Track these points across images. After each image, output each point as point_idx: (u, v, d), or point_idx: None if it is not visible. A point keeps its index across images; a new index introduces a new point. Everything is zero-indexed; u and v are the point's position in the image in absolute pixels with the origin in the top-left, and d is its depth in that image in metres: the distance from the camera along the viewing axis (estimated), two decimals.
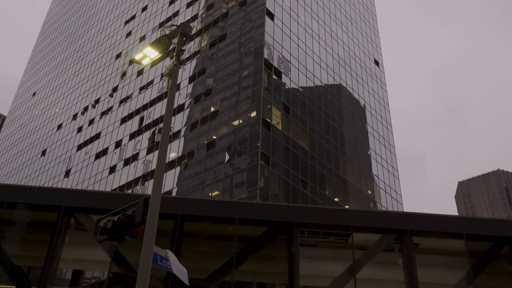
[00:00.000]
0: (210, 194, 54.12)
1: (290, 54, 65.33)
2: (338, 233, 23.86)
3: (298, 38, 68.77)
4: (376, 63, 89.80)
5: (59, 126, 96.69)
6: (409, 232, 23.01)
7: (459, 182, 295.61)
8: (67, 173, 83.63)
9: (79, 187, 77.16)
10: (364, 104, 78.98)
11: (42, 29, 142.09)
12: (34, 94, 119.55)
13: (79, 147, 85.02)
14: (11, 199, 24.08)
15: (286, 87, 62.18)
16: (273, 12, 65.46)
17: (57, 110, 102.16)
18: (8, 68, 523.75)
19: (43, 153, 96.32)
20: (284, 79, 62.26)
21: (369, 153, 73.48)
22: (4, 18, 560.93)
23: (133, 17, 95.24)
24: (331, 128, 66.83)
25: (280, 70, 62.07)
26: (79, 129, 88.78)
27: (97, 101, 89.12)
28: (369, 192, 68.61)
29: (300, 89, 64.38)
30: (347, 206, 61.65)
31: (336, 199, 60.47)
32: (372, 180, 70.72)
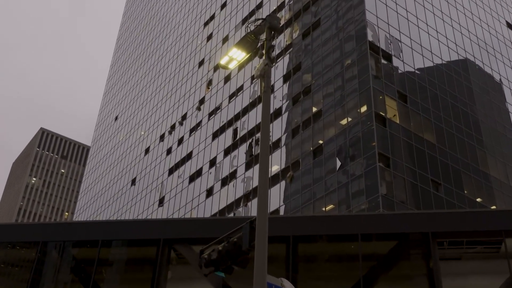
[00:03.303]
0: (323, 209, 54.02)
1: (400, 32, 63.82)
2: (487, 240, 22.92)
3: (406, 11, 67.07)
4: (509, 26, 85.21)
5: (147, 150, 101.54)
6: None
7: None
8: (161, 202, 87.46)
9: (175, 215, 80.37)
10: (500, 79, 75.13)
11: (116, 45, 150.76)
12: (116, 118, 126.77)
13: (171, 171, 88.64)
14: (105, 237, 25.59)
15: (400, 71, 60.77)
16: None
17: (142, 133, 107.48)
18: (85, 93, 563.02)
19: (133, 182, 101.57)
20: (396, 62, 60.91)
21: None
22: (78, 47, 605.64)
23: (212, 17, 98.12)
24: (462, 113, 64.23)
25: (390, 53, 60.83)
26: (168, 151, 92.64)
27: (184, 117, 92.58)
28: None
29: (416, 71, 62.63)
30: (493, 207, 58.81)
31: (478, 200, 57.92)
32: None
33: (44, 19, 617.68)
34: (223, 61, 16.22)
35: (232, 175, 71.71)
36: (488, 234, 22.70)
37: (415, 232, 22.98)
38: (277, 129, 66.92)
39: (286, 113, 67.10)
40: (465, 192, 57.14)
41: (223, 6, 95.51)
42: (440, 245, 22.76)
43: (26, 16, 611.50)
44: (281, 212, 59.47)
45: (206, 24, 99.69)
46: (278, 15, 76.33)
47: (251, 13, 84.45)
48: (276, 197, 61.36)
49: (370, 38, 59.39)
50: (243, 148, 72.16)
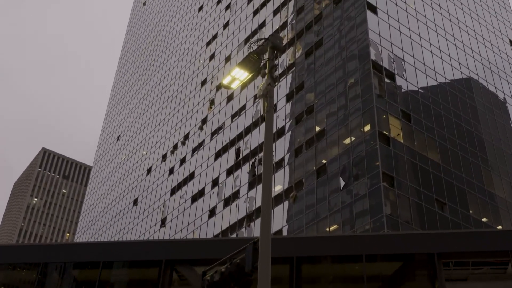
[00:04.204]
0: (327, 229, 53.77)
1: (403, 51, 64.06)
2: (493, 261, 22.73)
3: (409, 30, 67.39)
4: None
5: (149, 170, 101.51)
6: None
7: None
8: (163, 222, 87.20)
9: (177, 236, 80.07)
10: (505, 97, 75.18)
11: (118, 65, 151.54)
12: (118, 138, 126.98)
13: (173, 191, 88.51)
14: (106, 258, 25.48)
15: (403, 90, 60.84)
16: (375, 4, 64.84)
17: (144, 153, 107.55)
18: (86, 113, 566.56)
19: (135, 202, 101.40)
20: (399, 81, 61.03)
21: None
22: (78, 62, 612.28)
23: (214, 37, 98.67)
24: (466, 132, 64.17)
25: (393, 72, 60.98)
26: (171, 171, 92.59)
27: (186, 137, 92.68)
28: None
29: (420, 90, 62.72)
30: (499, 227, 58.47)
31: (484, 219, 57.60)
32: None
33: (46, 40, 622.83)
34: (225, 81, 16.26)
35: (235, 195, 71.54)
36: (494, 254, 22.54)
37: (420, 253, 22.84)
38: (280, 148, 66.89)
39: (289, 133, 67.12)
40: (471, 211, 56.84)
41: (226, 25, 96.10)
42: (446, 266, 22.60)
43: (29, 38, 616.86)
44: (285, 233, 59.19)
45: (208, 43, 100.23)
46: (280, 35, 76.70)
47: (254, 33, 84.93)
48: (279, 217, 61.12)
49: (373, 57, 59.56)
50: (246, 168, 72.08)
